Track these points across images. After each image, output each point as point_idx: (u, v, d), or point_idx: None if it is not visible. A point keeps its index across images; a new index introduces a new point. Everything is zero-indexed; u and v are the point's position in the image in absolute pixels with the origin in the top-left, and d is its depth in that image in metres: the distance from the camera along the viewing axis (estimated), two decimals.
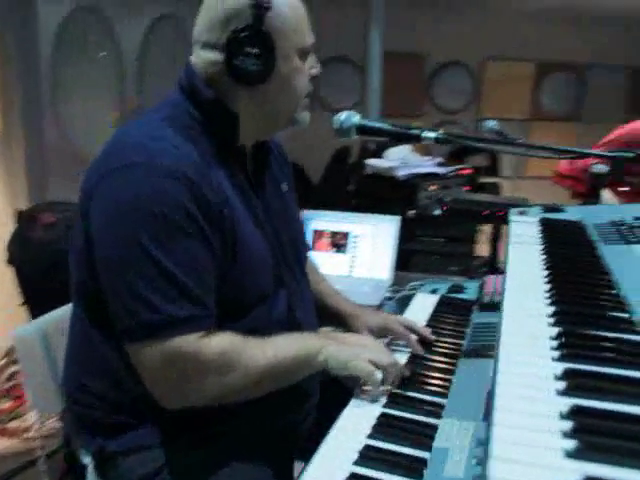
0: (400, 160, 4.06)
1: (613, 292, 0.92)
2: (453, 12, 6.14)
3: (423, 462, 0.96)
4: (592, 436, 0.51)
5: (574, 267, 1.05)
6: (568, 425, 0.54)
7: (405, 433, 1.06)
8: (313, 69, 1.25)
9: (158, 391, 1.09)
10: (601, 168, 2.20)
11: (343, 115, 1.30)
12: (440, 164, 4.16)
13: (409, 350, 1.41)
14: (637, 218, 1.37)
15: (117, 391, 1.16)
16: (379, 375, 1.17)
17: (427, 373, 1.30)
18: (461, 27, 6.35)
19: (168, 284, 1.04)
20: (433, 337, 1.45)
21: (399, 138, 1.26)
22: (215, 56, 1.16)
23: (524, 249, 1.20)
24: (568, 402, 0.58)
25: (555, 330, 0.76)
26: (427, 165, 4.07)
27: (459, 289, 1.89)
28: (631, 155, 1.18)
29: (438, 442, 1.01)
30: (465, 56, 6.71)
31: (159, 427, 1.15)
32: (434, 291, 1.91)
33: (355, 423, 1.10)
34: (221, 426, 1.16)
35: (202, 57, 1.18)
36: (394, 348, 1.44)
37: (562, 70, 6.59)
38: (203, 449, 1.16)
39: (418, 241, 3.03)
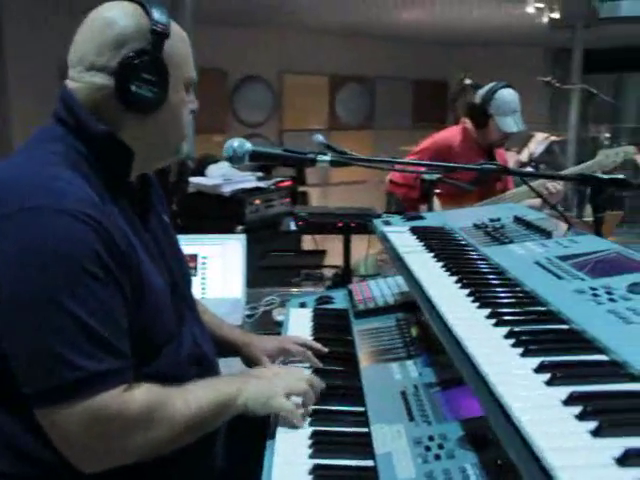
0: (223, 177, 4.08)
1: (519, 289, 1.05)
2: (249, 27, 6.30)
3: (373, 470, 1.02)
4: (604, 414, 0.60)
5: (474, 271, 1.17)
6: (575, 410, 0.63)
7: (343, 446, 1.11)
8: (192, 103, 1.25)
9: (77, 455, 1.00)
10: (432, 175, 2.45)
11: (235, 142, 1.30)
12: (260, 178, 4.26)
13: (308, 365, 1.46)
14: (492, 220, 1.56)
15: (21, 464, 1.04)
16: (299, 410, 1.18)
17: (336, 384, 1.35)
18: (257, 42, 6.53)
19: (85, 337, 0.97)
20: (326, 349, 1.52)
21: (293, 162, 1.29)
22: (103, 80, 1.09)
23: (418, 258, 1.31)
24: (562, 390, 0.67)
25: (502, 330, 0.86)
26: (250, 180, 4.15)
27: (328, 300, 1.96)
28: (495, 167, 1.35)
29: (378, 449, 1.07)
30: (263, 70, 6.92)
31: None
32: (303, 305, 1.96)
33: (292, 446, 1.11)
34: None
35: (86, 81, 1.10)
36: (293, 366, 1.49)
37: (353, 82, 7.09)
38: None
39: (264, 256, 3.08)
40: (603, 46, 6.37)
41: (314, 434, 1.14)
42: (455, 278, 1.13)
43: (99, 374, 0.97)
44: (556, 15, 5.16)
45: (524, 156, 4.95)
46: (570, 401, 0.64)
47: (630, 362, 0.74)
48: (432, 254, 1.32)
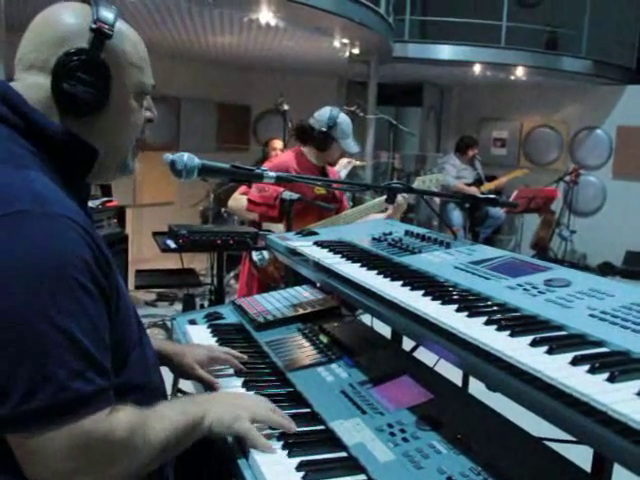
0: None
1: (461, 288, 1.24)
2: None
3: (354, 460, 1.12)
4: (608, 367, 0.80)
5: (411, 276, 1.34)
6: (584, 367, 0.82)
7: (314, 443, 1.19)
8: (148, 112, 1.21)
9: None
10: (291, 195, 2.60)
11: (185, 156, 1.32)
12: None
13: (235, 371, 1.54)
14: (386, 234, 1.76)
15: None
16: (260, 437, 1.17)
17: (274, 392, 1.41)
18: None
19: (75, 355, 0.91)
20: (246, 357, 1.59)
21: (240, 178, 1.34)
22: (41, 79, 1.06)
23: (349, 268, 1.44)
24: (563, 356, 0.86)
25: (480, 320, 1.04)
26: None
27: (218, 316, 2.00)
28: (400, 186, 1.54)
29: (348, 440, 1.17)
30: None
31: None
32: (193, 322, 1.97)
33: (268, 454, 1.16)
34: None
35: (26, 80, 1.07)
36: (219, 374, 1.54)
37: (160, 102, 6.98)
38: None
39: None
40: (387, 82, 7.11)
41: (281, 435, 1.20)
42: (400, 283, 1.28)
43: (87, 395, 0.92)
44: (356, 50, 5.68)
45: None
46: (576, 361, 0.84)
47: (588, 333, 0.96)
48: (359, 264, 1.46)
